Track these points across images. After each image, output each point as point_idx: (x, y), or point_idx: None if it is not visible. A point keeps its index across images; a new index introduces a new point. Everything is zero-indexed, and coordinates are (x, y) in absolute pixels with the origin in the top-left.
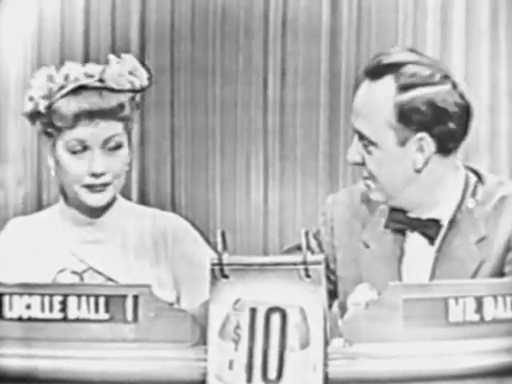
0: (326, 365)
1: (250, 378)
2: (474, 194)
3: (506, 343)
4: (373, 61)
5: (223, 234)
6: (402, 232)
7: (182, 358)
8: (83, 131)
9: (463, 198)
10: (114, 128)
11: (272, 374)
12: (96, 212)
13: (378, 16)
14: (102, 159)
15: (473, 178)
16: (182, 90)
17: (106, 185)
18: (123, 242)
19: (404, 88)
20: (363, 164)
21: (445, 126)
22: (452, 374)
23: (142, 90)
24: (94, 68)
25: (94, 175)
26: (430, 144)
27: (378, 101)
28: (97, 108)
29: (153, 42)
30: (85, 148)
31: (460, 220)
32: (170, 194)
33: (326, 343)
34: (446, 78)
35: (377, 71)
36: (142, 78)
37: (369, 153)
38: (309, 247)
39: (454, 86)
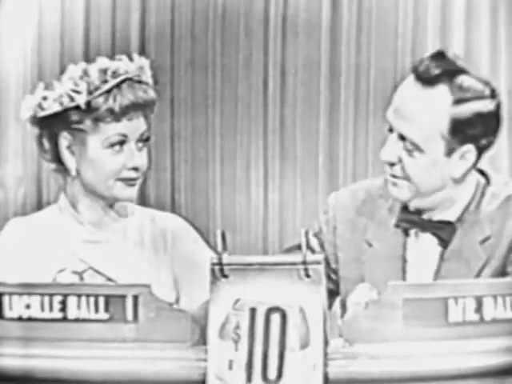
0: (325, 365)
1: (249, 378)
2: (482, 196)
3: (505, 343)
4: (422, 65)
5: (223, 234)
6: (406, 231)
7: (181, 358)
8: (126, 125)
9: (472, 199)
10: (144, 123)
11: (272, 373)
12: (111, 210)
13: (378, 15)
14: (139, 153)
15: (482, 181)
16: (181, 90)
17: (137, 179)
18: (123, 243)
19: (460, 101)
20: (396, 164)
21: (488, 139)
22: (452, 373)
23: None
24: (126, 63)
25: (135, 169)
26: (473, 156)
27: (433, 110)
28: (141, 101)
29: (153, 42)
30: (123, 142)
31: (466, 220)
32: (169, 194)
33: (326, 343)
34: (493, 91)
35: (429, 79)
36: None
37: (411, 156)
38: (309, 247)
39: (494, 97)
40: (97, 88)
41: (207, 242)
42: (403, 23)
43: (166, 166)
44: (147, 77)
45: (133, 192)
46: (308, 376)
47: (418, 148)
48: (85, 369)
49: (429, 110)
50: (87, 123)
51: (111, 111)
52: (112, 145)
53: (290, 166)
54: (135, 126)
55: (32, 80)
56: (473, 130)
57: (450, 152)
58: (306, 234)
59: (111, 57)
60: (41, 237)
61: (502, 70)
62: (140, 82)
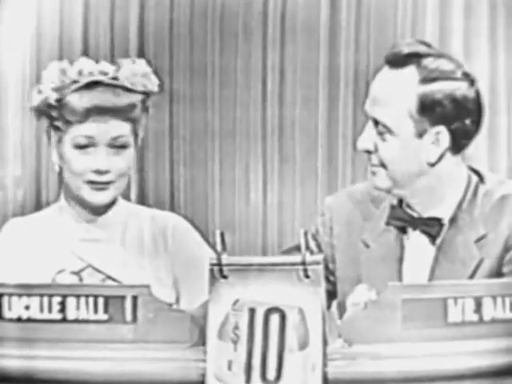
0: (325, 365)
1: (248, 379)
2: (475, 194)
3: (504, 343)
4: (393, 49)
5: (222, 235)
6: (403, 230)
7: (180, 359)
8: (92, 127)
9: (464, 197)
10: (122, 128)
11: (271, 374)
12: (97, 210)
13: (377, 14)
14: (107, 157)
15: (474, 178)
16: (180, 90)
17: (108, 183)
18: (123, 241)
19: (427, 80)
20: (373, 152)
21: (462, 122)
22: (451, 374)
23: (151, 95)
24: (108, 66)
25: (98, 172)
26: (446, 139)
27: (401, 90)
28: (109, 105)
29: (151, 42)
30: (91, 144)
31: (460, 219)
32: (169, 193)
33: (325, 344)
34: (466, 74)
35: (398, 60)
36: (153, 83)
37: (383, 140)
38: (308, 247)
39: (472, 83)
40: (68, 87)
41: (206, 242)
42: (402, 22)
43: (164, 166)
44: (129, 82)
45: (102, 197)
46: (307, 376)
47: (388, 130)
48: (84, 369)
49: (396, 90)
50: (62, 121)
51: (74, 111)
52: (78, 145)
53: (289, 167)
54: (103, 129)
55: (31, 80)
56: (442, 110)
57: (420, 133)
58: (305, 234)
59: (110, 56)
60: (40, 236)
61: (500, 69)
62: (117, 86)
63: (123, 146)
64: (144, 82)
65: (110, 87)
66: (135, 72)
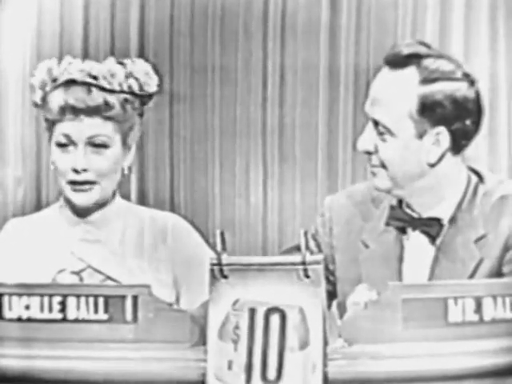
0: (325, 365)
1: (249, 379)
2: (474, 194)
3: (505, 343)
4: (393, 50)
5: (222, 234)
6: (402, 230)
7: (181, 359)
8: (68, 126)
9: (464, 197)
10: (101, 126)
11: (271, 374)
12: (84, 211)
13: (377, 15)
14: (85, 156)
15: (474, 178)
16: (180, 90)
17: (89, 183)
18: (122, 241)
19: (428, 81)
20: (373, 153)
21: (463, 122)
22: (451, 374)
23: (148, 96)
24: (90, 64)
25: (75, 171)
26: (446, 139)
27: (401, 91)
28: (81, 103)
29: (152, 41)
30: (70, 143)
31: (460, 219)
32: (169, 193)
33: (326, 343)
34: (466, 75)
35: (398, 61)
36: (148, 84)
37: (384, 141)
38: (308, 247)
39: (473, 83)
40: (49, 86)
41: (206, 242)
42: (402, 23)
43: (165, 165)
44: (106, 81)
45: (85, 198)
46: (307, 376)
47: (388, 131)
48: (84, 369)
49: (397, 91)
50: (48, 120)
51: (50, 110)
52: (59, 144)
53: (289, 167)
54: (78, 127)
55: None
56: (442, 111)
57: (421, 134)
58: (305, 234)
59: (111, 55)
60: (40, 236)
61: (501, 69)
62: (93, 85)
63: (104, 146)
64: (129, 82)
65: (84, 86)
66: (115, 71)
